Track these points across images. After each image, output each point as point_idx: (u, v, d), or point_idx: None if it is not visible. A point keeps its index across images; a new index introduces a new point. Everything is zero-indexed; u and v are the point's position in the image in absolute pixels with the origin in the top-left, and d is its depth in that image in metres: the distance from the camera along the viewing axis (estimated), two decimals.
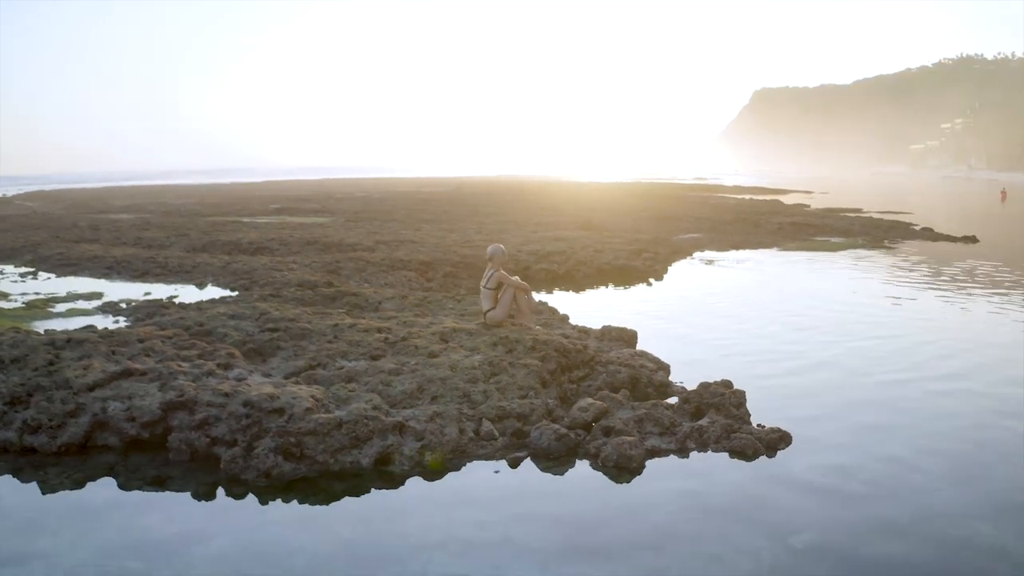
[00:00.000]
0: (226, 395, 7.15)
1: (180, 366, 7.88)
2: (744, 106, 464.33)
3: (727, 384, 8.55)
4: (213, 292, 14.11)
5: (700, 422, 7.75)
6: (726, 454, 7.35)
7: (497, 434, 7.38)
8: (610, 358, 9.51)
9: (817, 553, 5.58)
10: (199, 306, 11.72)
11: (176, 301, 12.60)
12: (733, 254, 23.75)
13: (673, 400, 8.62)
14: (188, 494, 6.43)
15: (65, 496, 6.42)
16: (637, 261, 19.46)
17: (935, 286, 17.65)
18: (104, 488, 6.55)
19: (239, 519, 6.08)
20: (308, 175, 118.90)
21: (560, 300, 15.35)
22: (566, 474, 6.95)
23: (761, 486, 6.69)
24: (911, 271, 20.23)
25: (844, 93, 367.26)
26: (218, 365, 8.23)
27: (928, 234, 29.10)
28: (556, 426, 7.33)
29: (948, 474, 7.05)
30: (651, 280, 18.33)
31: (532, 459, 7.15)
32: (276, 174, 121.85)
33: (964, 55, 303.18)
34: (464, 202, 39.97)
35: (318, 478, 6.65)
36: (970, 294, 16.61)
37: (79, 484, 6.60)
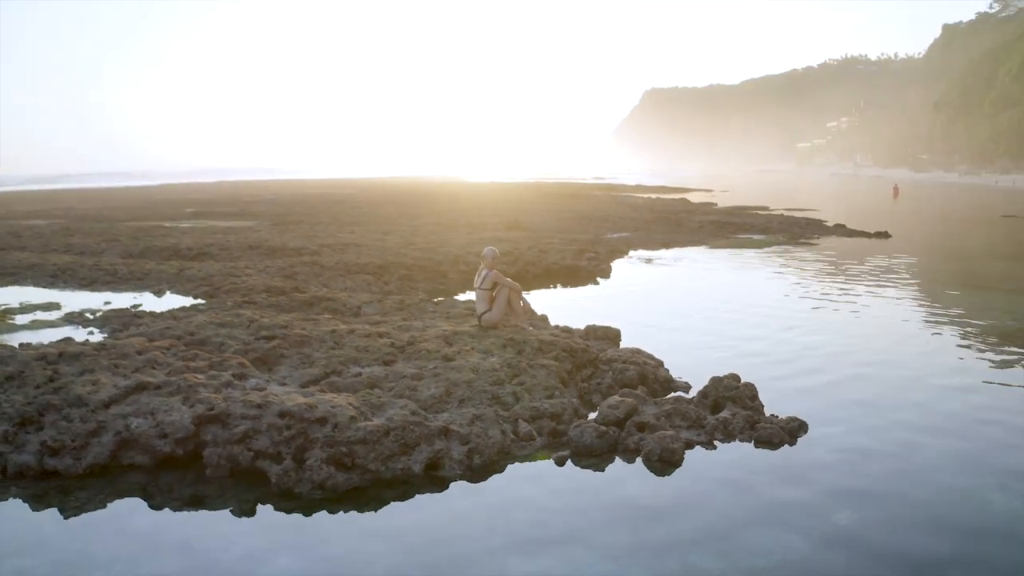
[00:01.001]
0: (258, 406, 6.91)
1: (196, 378, 7.57)
2: (635, 106, 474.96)
3: (735, 377, 8.79)
4: (175, 300, 13.53)
5: (722, 415, 7.96)
6: (751, 444, 7.62)
7: (536, 434, 7.39)
8: (612, 356, 9.64)
9: (860, 527, 5.96)
10: (174, 315, 11.23)
11: (143, 310, 12.02)
12: (666, 252, 24.32)
13: (679, 395, 8.84)
14: (234, 512, 6.18)
15: (105, 522, 6.04)
16: (582, 261, 19.71)
17: (864, 280, 18.56)
18: (143, 511, 6.21)
19: (300, 534, 5.90)
20: (204, 177, 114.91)
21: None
22: (612, 470, 7.07)
23: (794, 471, 7.00)
24: (840, 265, 21.20)
25: (733, 93, 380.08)
26: (233, 375, 7.94)
27: (842, 230, 30.47)
28: (595, 424, 7.39)
29: (952, 448, 7.57)
30: (598, 279, 18.62)
31: (573, 457, 7.22)
32: (173, 177, 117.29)
33: (849, 56, 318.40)
34: (384, 205, 39.49)
35: (369, 487, 6.52)
36: (884, 286, 17.53)
37: (115, 508, 6.23)
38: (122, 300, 13.31)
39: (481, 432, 7.04)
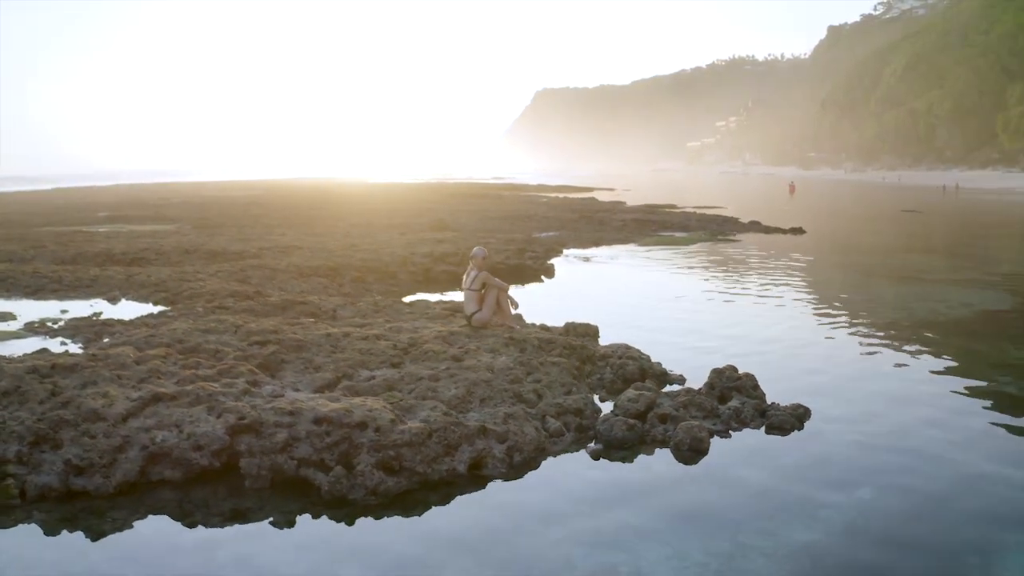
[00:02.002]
0: (290, 413, 6.73)
1: (211, 386, 7.30)
2: (527, 106, 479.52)
3: (734, 369, 9.06)
4: (134, 307, 12.91)
5: (732, 404, 8.21)
6: (763, 431, 7.95)
7: (564, 430, 7.45)
8: (605, 352, 9.78)
9: (881, 499, 6.44)
10: (146, 322, 10.72)
11: (109, 318, 11.43)
12: (599, 251, 24.71)
13: (687, 387, 9.04)
14: (283, 524, 5.99)
15: (150, 542, 5.72)
16: (525, 260, 19.83)
17: (799, 273, 19.36)
18: (186, 528, 5.92)
19: (359, 542, 5.80)
20: (101, 181, 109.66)
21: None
22: (644, 461, 7.24)
23: (811, 453, 7.39)
24: (769, 259, 22.03)
25: (623, 93, 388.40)
26: (247, 383, 7.69)
27: (758, 227, 31.58)
28: (622, 417, 7.51)
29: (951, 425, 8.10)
30: (542, 277, 18.76)
31: (605, 450, 7.36)
32: (63, 181, 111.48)
33: (736, 56, 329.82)
34: (300, 207, 38.62)
35: (417, 490, 6.45)
36: (819, 279, 18.37)
37: (156, 527, 5.91)
38: (78, 308, 12.61)
39: (517, 430, 7.06)
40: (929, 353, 11.18)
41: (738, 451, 7.44)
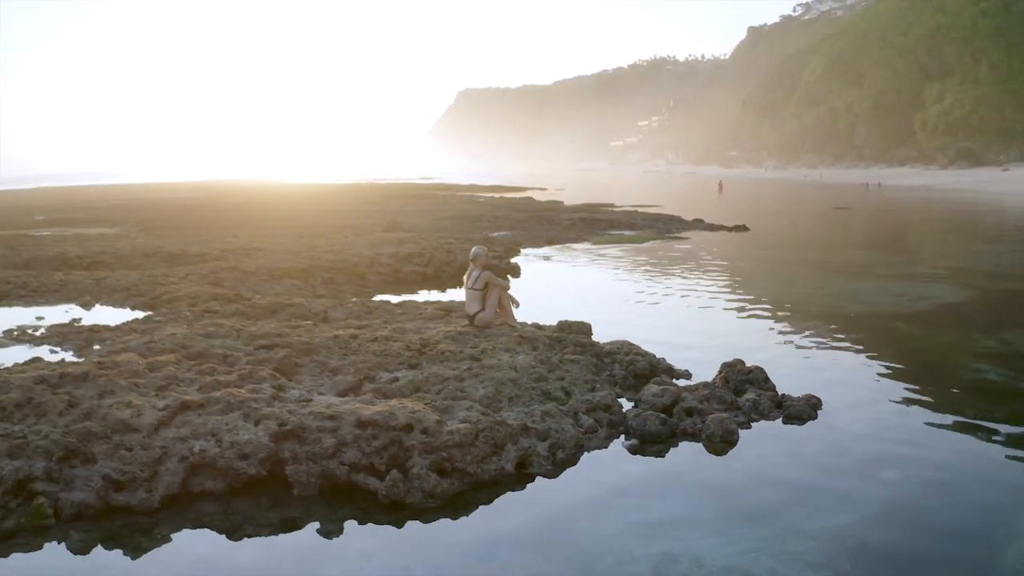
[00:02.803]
0: (331, 417, 6.61)
1: (238, 392, 7.11)
2: (450, 106, 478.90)
3: (742, 362, 9.25)
4: (111, 312, 12.43)
5: (748, 396, 8.39)
6: (781, 421, 8.18)
7: (598, 426, 7.51)
8: (609, 350, 9.86)
9: (905, 481, 6.80)
10: (135, 328, 10.34)
11: (98, 324, 10.96)
12: (555, 250, 24.85)
13: (703, 381, 9.20)
14: (338, 531, 5.86)
15: (208, 558, 5.52)
16: (490, 259, 19.76)
17: (755, 268, 19.84)
18: (241, 541, 5.71)
19: (423, 547, 5.74)
20: (22, 185, 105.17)
21: (448, 296, 15.30)
22: (679, 453, 7.39)
23: (831, 441, 7.65)
24: (723, 256, 22.50)
25: (546, 93, 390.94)
26: (273, 387, 7.52)
27: (702, 225, 32.19)
28: (654, 412, 7.61)
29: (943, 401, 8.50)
30: (509, 277, 18.70)
31: (640, 444, 7.46)
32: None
33: (658, 57, 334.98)
34: (243, 209, 37.76)
35: (468, 491, 6.42)
36: (777, 274, 18.89)
37: (209, 541, 5.70)
38: (53, 315, 12.09)
39: (557, 427, 7.09)
40: (905, 344, 11.68)
41: (764, 441, 7.64)
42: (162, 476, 6.09)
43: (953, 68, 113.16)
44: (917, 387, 9.41)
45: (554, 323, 11.41)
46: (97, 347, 9.69)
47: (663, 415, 7.68)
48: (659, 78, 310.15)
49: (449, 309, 12.10)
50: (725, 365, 9.15)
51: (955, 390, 9.45)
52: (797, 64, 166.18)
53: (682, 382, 9.27)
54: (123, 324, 10.77)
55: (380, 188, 72.89)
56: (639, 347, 10.22)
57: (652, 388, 8.24)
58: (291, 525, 5.93)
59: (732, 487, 6.68)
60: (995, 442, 7.59)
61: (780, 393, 8.69)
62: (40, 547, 5.58)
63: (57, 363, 8.18)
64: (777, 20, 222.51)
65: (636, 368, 9.33)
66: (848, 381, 9.76)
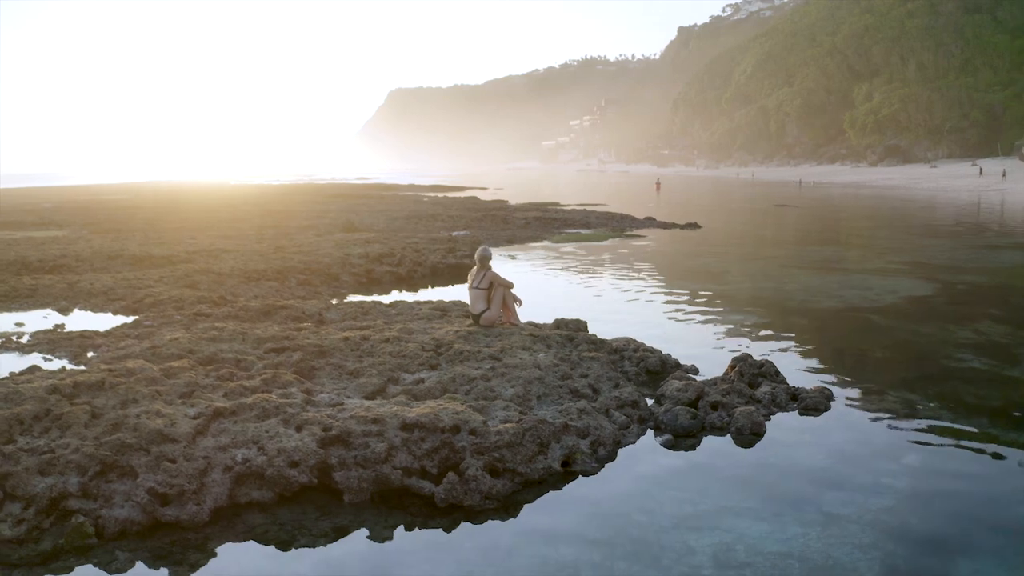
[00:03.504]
0: (374, 421, 6.51)
1: (270, 398, 6.94)
2: (380, 105, 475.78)
3: (751, 356, 9.41)
4: (93, 317, 11.96)
5: (764, 390, 8.53)
6: (798, 412, 8.39)
7: (630, 422, 7.55)
8: (616, 347, 9.93)
9: (928, 464, 7.07)
10: (127, 333, 9.95)
11: (80, 330, 10.54)
12: (518, 248, 24.85)
13: (718, 376, 9.32)
14: (397, 537, 5.76)
15: (268, 572, 5.34)
16: (460, 259, 19.73)
17: (718, 263, 20.17)
18: (299, 552, 5.55)
19: (485, 550, 5.66)
20: None
21: (424, 296, 15.19)
22: (711, 445, 7.52)
23: (851, 429, 7.92)
24: (684, 251, 22.80)
25: (478, 92, 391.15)
26: (302, 391, 7.36)
27: (654, 223, 32.60)
28: (683, 407, 7.69)
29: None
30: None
31: (674, 438, 7.57)
32: None
33: (588, 57, 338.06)
34: (190, 210, 36.77)
35: (519, 490, 6.39)
36: (744, 269, 19.27)
37: (267, 555, 5.49)
38: (32, 320, 11.59)
39: (596, 424, 7.11)
40: (889, 337, 12.03)
41: (789, 432, 7.81)
42: (209, 488, 5.88)
43: (881, 67, 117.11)
44: (914, 377, 9.75)
45: (547, 321, 11.48)
46: (92, 354, 9.34)
47: (695, 410, 7.76)
48: (590, 78, 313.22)
49: (444, 309, 12.00)
50: (736, 359, 9.30)
51: (948, 379, 9.76)
52: (727, 64, 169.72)
53: (695, 377, 9.39)
54: (114, 329, 10.39)
55: (320, 188, 71.80)
56: (643, 343, 10.32)
57: (675, 383, 8.32)
58: (345, 534, 5.80)
59: (769, 477, 6.82)
60: (1001, 427, 7.94)
61: (793, 386, 8.87)
62: (84, 569, 5.31)
63: (63, 371, 7.87)
64: (707, 20, 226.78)
65: (647, 364, 9.42)
66: (847, 373, 10.04)
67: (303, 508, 6.09)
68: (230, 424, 6.55)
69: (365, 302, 12.74)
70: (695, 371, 9.78)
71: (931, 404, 8.66)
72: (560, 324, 11.51)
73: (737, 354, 9.45)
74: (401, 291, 16.55)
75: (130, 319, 11.52)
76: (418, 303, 12.55)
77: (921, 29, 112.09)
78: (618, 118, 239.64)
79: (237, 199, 47.28)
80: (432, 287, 17.15)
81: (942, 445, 7.45)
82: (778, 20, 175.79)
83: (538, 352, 8.83)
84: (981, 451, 7.34)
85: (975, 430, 7.83)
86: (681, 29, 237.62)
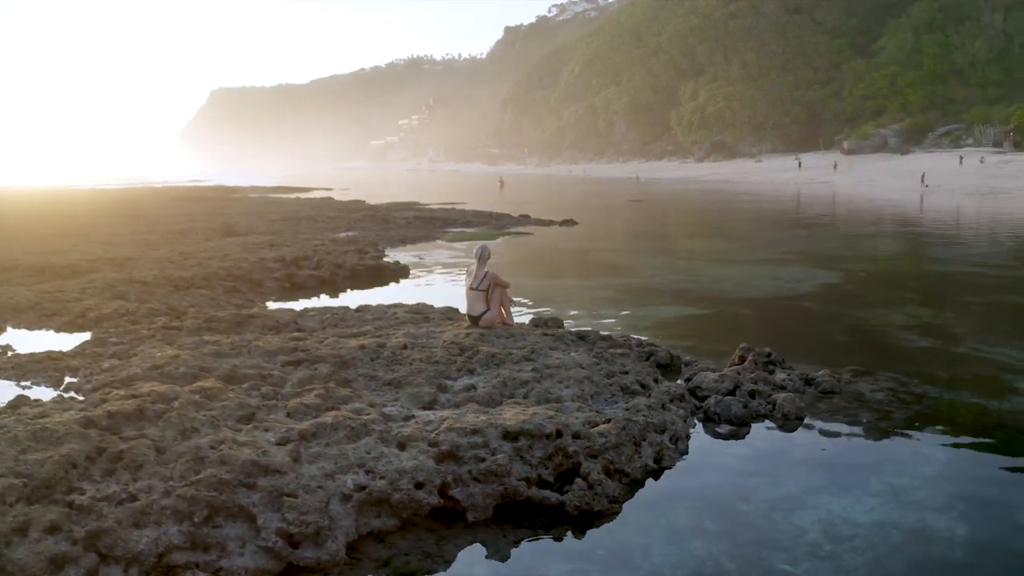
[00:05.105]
0: (474, 432, 6.27)
1: (346, 415, 6.52)
2: (202, 106, 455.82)
3: (751, 346, 9.76)
4: (33, 336, 10.66)
5: (780, 376, 8.93)
6: (817, 393, 8.82)
7: (686, 414, 7.71)
8: (617, 341, 10.04)
9: (952, 435, 7.64)
10: (100, 353, 8.94)
11: (37, 351, 9.40)
12: (414, 248, 24.50)
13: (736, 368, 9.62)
14: (535, 552, 5.55)
15: None
16: (375, 261, 19.24)
17: (623, 261, 20.77)
18: None
19: (628, 552, 5.59)
20: None
21: (362, 300, 14.70)
22: (767, 432, 7.77)
23: (871, 407, 8.38)
24: (580, 246, 23.28)
25: (303, 92, 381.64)
26: (368, 405, 6.97)
27: (531, 220, 33.02)
28: (734, 398, 7.94)
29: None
30: (399, 279, 18.31)
31: (729, 428, 7.83)
32: None
33: (415, 56, 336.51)
34: (44, 215, 33.34)
35: (627, 490, 6.36)
36: (641, 260, 19.98)
37: None
38: None
39: (669, 419, 7.18)
40: (835, 322, 12.90)
41: (820, 414, 8.21)
42: (338, 521, 5.37)
43: (706, 67, 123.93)
44: (887, 357, 10.48)
45: (533, 319, 11.41)
46: (72, 379, 8.41)
47: (742, 399, 7.99)
48: (418, 77, 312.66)
49: (417, 311, 11.69)
50: (743, 349, 9.65)
51: (916, 358, 10.55)
52: (555, 63, 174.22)
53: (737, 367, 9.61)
54: (80, 350, 9.35)
55: (162, 191, 67.41)
56: (637, 338, 10.49)
57: (709, 375, 8.54)
58: (478, 555, 5.49)
59: (827, 455, 7.19)
60: (996, 398, 8.73)
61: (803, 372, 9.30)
62: None
63: (74, 401, 7.04)
64: (533, 20, 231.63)
65: (657, 358, 9.58)
66: (824, 357, 10.49)
67: (416, 534, 5.68)
68: (321, 448, 6.10)
69: (331, 307, 12.19)
70: (696, 364, 10.04)
71: (915, 380, 9.30)
72: (539, 322, 11.48)
73: (743, 345, 9.79)
74: (327, 295, 15.96)
75: (82, 336, 10.45)
76: (382, 307, 12.14)
77: (744, 30, 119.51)
78: (447, 117, 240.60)
79: (83, 204, 43.52)
80: (353, 290, 16.64)
81: (959, 416, 8.13)
82: (604, 20, 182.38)
83: (569, 351, 8.78)
84: (987, 411, 8.17)
85: (973, 400, 8.59)
86: (508, 29, 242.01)
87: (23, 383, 8.38)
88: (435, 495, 5.73)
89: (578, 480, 5.95)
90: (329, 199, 52.09)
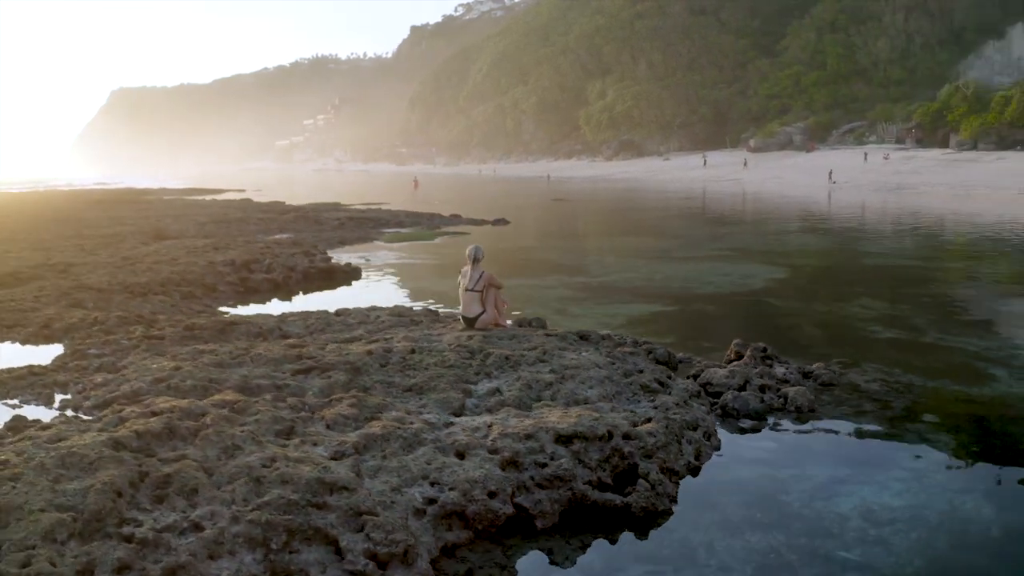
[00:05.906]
0: (527, 437, 6.23)
1: (393, 425, 6.38)
2: (103, 105, 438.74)
3: (747, 341, 10.00)
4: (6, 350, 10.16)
5: (780, 370, 9.18)
6: (817, 385, 9.11)
7: (708, 410, 7.87)
8: (619, 339, 10.13)
9: (957, 417, 8.15)
10: (86, 366, 8.46)
11: (16, 366, 8.85)
12: (358, 250, 24.15)
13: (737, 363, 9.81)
14: (609, 557, 5.56)
15: None
16: (325, 263, 18.86)
17: (572, 259, 20.95)
18: None
19: (695, 549, 5.66)
20: None
21: (321, 304, 14.44)
22: (785, 424, 7.98)
23: (871, 397, 8.72)
24: (529, 247, 23.38)
25: (205, 92, 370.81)
26: (406, 412, 6.85)
27: (463, 220, 32.98)
28: (751, 393, 8.13)
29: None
30: (352, 282, 18.03)
31: (749, 422, 8.02)
32: None
33: (319, 56, 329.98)
34: None
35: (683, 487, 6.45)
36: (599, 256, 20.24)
37: None
38: None
39: (699, 416, 7.31)
40: (801, 317, 13.34)
41: (827, 406, 8.47)
42: (420, 538, 5.22)
43: (613, 66, 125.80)
44: (863, 349, 10.92)
45: (515, 320, 11.35)
46: (66, 396, 7.98)
47: (759, 394, 8.19)
48: (323, 77, 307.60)
49: (398, 313, 11.52)
50: (738, 344, 9.88)
51: (891, 348, 11.02)
52: (463, 62, 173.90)
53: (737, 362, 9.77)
54: (62, 363, 8.85)
55: (72, 195, 64.18)
56: (632, 337, 10.60)
57: (719, 372, 8.72)
58: (554, 563, 5.40)
59: (845, 445, 7.47)
60: (981, 385, 9.24)
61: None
62: None
63: (87, 420, 6.71)
64: (440, 19, 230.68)
65: (657, 355, 9.70)
66: (805, 350, 10.87)
67: (483, 546, 5.54)
68: (379, 460, 5.95)
69: (311, 312, 11.88)
70: (689, 360, 10.21)
71: (897, 370, 9.73)
72: (523, 323, 11.47)
73: (737, 340, 10.03)
74: (281, 299, 15.61)
75: (53, 348, 9.92)
76: (361, 310, 11.90)
77: (650, 30, 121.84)
78: (353, 117, 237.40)
79: None
80: (307, 293, 16.32)
81: (945, 403, 8.55)
82: (512, 20, 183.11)
83: (582, 351, 8.82)
84: (972, 398, 8.66)
85: (956, 388, 9.05)
86: (414, 28, 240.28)
87: (9, 401, 7.87)
88: (509, 504, 5.66)
89: (641, 481, 5.99)
90: (248, 200, 50.80)
